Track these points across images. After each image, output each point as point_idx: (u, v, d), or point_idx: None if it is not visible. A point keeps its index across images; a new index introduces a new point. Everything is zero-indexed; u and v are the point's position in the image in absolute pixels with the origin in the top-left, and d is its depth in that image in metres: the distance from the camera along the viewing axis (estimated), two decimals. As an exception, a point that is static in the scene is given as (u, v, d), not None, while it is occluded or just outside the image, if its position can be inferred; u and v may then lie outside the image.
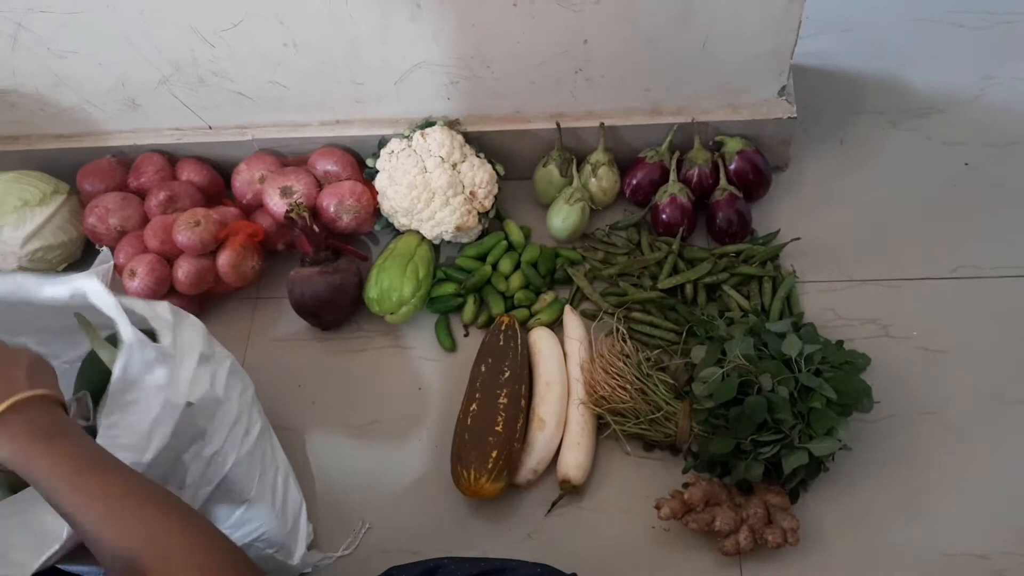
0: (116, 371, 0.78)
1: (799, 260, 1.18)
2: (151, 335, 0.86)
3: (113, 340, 0.95)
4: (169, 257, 1.20)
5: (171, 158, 1.31)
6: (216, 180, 1.32)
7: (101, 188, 1.28)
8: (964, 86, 1.33)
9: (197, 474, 0.86)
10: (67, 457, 0.64)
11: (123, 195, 1.26)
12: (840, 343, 1.06)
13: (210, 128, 1.29)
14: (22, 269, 1.26)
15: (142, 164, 1.29)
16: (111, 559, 0.62)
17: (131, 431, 0.77)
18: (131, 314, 0.84)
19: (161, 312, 0.89)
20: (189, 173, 1.29)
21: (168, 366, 0.81)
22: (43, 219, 1.26)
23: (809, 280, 1.17)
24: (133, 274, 1.17)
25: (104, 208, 1.24)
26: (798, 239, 1.19)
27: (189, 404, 0.81)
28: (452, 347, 1.19)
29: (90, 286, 0.82)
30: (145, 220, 1.24)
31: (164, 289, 1.19)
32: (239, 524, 0.94)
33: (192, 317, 0.95)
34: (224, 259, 1.20)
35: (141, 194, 1.27)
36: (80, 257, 1.33)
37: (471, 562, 0.88)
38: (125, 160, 1.32)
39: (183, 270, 1.18)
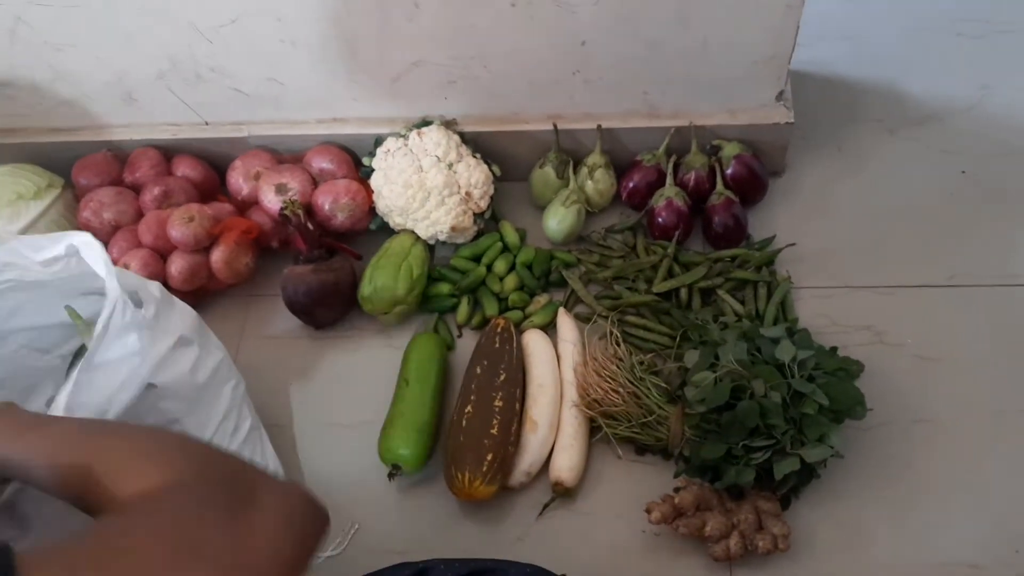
0: (99, 325, 0.77)
1: (794, 266, 1.18)
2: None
3: None
4: (163, 252, 1.20)
5: (167, 153, 1.31)
6: (211, 176, 1.31)
7: (96, 182, 1.28)
8: (962, 95, 1.34)
9: None
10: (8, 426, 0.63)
11: (118, 190, 1.26)
12: (834, 349, 1.06)
13: (206, 124, 1.29)
14: (16, 263, 1.26)
15: (137, 159, 1.28)
16: (63, 487, 0.59)
17: (94, 392, 0.76)
18: (120, 282, 0.84)
19: (151, 289, 0.89)
20: (184, 169, 1.29)
21: (141, 336, 0.80)
22: (37, 213, 1.25)
23: (804, 286, 1.17)
24: (126, 268, 1.17)
25: (98, 202, 1.24)
26: (794, 245, 1.18)
27: (151, 386, 0.80)
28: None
29: (82, 239, 0.81)
30: (139, 215, 1.24)
31: (157, 285, 1.18)
32: None
33: (184, 304, 0.94)
34: (218, 255, 1.19)
35: (136, 189, 1.27)
36: (74, 251, 1.32)
37: (461, 563, 0.87)
38: (120, 155, 1.31)
39: (176, 266, 1.18)
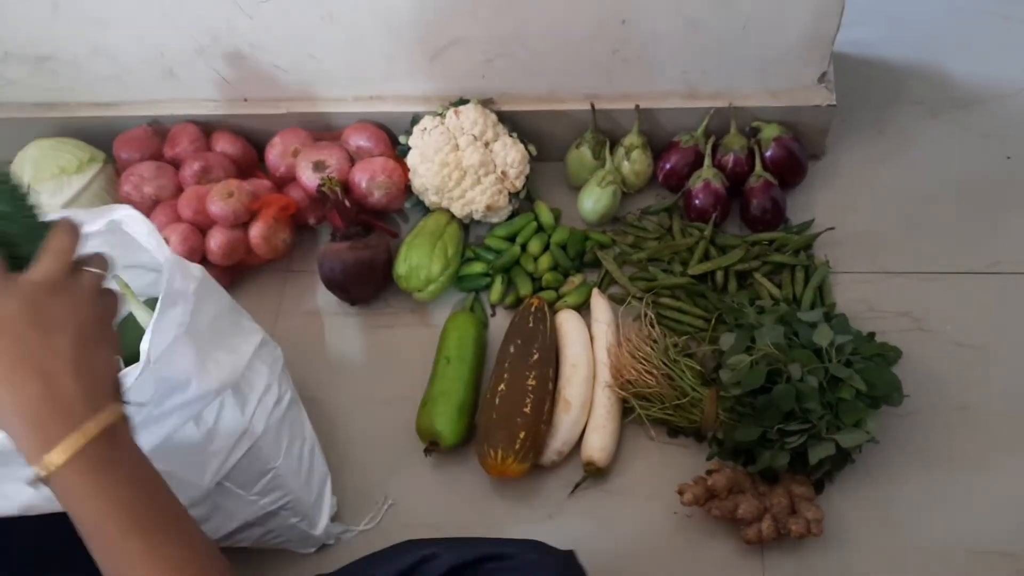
0: (164, 285, 0.79)
1: (833, 250, 1.17)
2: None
3: (151, 304, 0.97)
4: (202, 227, 1.21)
5: (206, 129, 1.32)
6: (250, 152, 1.32)
7: (137, 157, 1.29)
8: (1008, 78, 1.31)
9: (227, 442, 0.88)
10: (115, 513, 0.53)
11: (158, 164, 1.27)
12: (872, 335, 1.05)
13: (245, 100, 1.30)
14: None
15: (177, 134, 1.30)
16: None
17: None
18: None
19: (193, 270, 0.90)
20: (223, 144, 1.30)
21: (189, 304, 0.82)
22: (79, 187, 1.27)
23: (842, 271, 1.16)
24: (166, 242, 1.18)
25: (139, 177, 1.25)
26: (832, 229, 1.17)
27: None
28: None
29: (127, 214, 0.83)
30: (179, 190, 1.25)
31: (196, 259, 1.20)
32: (265, 491, 0.95)
33: (219, 287, 0.96)
34: (256, 231, 1.21)
35: (176, 164, 1.28)
36: (114, 225, 1.34)
37: (467, 546, 0.82)
38: (161, 130, 1.33)
39: (216, 240, 1.19)
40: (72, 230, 0.56)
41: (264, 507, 0.96)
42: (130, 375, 0.75)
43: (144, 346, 0.76)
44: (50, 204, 1.25)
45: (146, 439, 0.78)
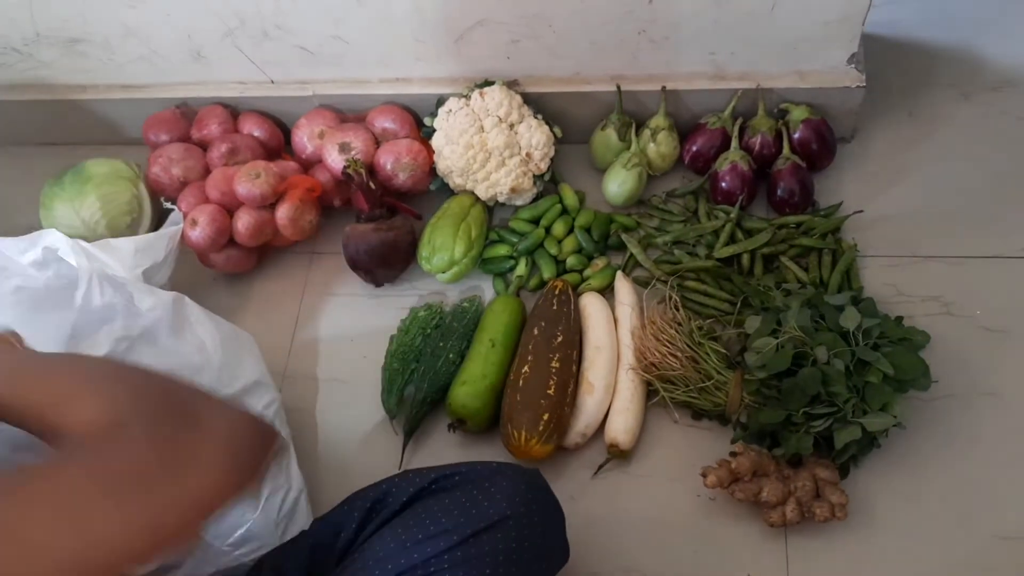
0: (79, 300, 0.82)
1: (861, 234, 1.16)
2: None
3: None
4: (229, 208, 1.22)
5: (234, 111, 1.33)
6: (276, 134, 1.33)
7: (165, 139, 1.30)
8: (1043, 60, 1.29)
9: None
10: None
11: (186, 146, 1.28)
12: (900, 319, 1.04)
13: (272, 82, 1.30)
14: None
15: (205, 116, 1.31)
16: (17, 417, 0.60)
17: None
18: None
19: (160, 294, 0.93)
20: (251, 126, 1.31)
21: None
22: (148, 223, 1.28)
23: (870, 254, 1.15)
24: (194, 223, 1.19)
25: (167, 158, 1.26)
26: (861, 212, 1.16)
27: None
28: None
29: (55, 238, 0.87)
30: (207, 171, 1.26)
31: (224, 239, 1.21)
32: (240, 543, 0.93)
33: (211, 322, 0.97)
34: (283, 212, 1.21)
35: (204, 146, 1.29)
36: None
37: (431, 470, 0.85)
38: (189, 112, 1.34)
39: (243, 221, 1.20)
40: None
41: (238, 558, 0.93)
42: None
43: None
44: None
45: None
